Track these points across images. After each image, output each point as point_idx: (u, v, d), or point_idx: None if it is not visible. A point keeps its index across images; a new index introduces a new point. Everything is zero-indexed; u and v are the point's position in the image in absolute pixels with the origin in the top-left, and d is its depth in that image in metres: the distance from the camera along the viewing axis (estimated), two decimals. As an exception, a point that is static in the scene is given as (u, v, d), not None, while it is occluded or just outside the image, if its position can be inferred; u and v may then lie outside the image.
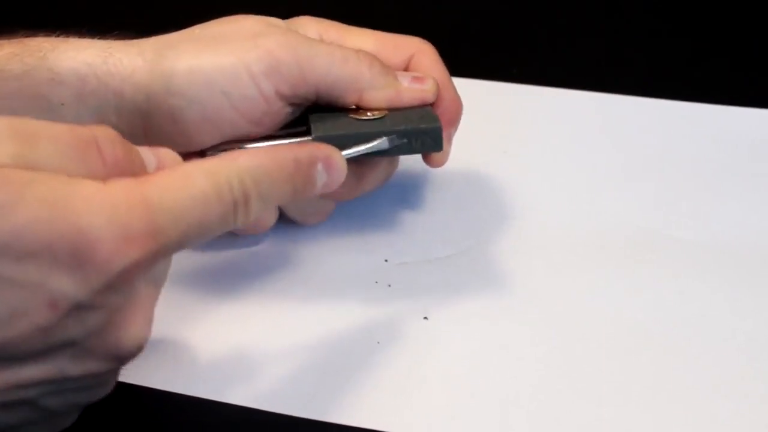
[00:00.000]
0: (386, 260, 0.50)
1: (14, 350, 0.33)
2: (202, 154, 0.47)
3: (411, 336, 0.46)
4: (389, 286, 0.48)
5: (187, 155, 0.46)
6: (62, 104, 0.45)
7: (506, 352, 0.45)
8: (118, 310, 0.34)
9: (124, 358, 0.36)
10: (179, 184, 0.34)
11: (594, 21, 0.73)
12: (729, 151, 0.58)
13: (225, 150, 0.46)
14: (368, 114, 0.47)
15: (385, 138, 0.45)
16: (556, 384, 0.43)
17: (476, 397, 0.43)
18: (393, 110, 0.47)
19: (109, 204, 0.33)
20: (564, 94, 0.63)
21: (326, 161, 0.39)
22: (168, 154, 0.39)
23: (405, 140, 0.46)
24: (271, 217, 0.49)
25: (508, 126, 0.61)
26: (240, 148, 0.46)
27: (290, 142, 0.46)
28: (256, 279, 0.49)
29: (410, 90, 0.48)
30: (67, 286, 0.32)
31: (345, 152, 0.43)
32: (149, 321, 0.36)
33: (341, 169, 0.40)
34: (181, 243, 0.35)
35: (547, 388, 0.43)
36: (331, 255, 0.50)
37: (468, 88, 0.63)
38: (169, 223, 0.34)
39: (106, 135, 0.35)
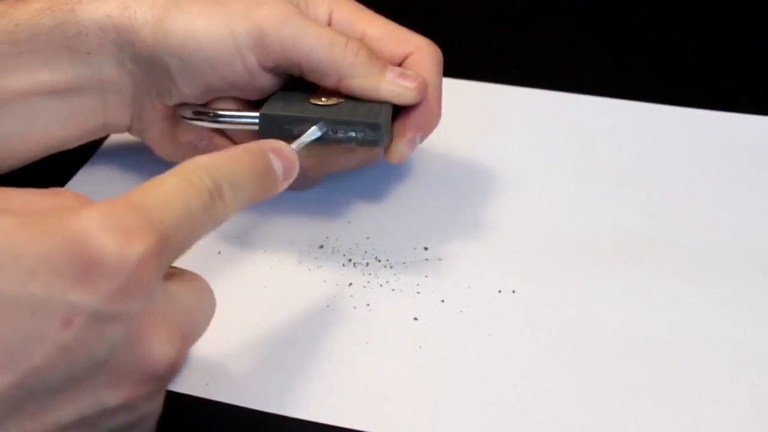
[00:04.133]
0: (378, 260, 0.50)
1: (42, 381, 0.32)
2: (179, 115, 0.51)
3: (400, 337, 0.46)
4: (380, 286, 0.48)
5: (172, 107, 0.51)
6: (88, 53, 0.49)
7: (496, 355, 0.45)
8: (139, 320, 0.33)
9: (157, 376, 0.35)
10: (155, 187, 0.35)
11: (595, 22, 0.73)
12: (723, 157, 0.58)
13: (198, 114, 0.50)
14: (322, 99, 0.48)
15: (315, 127, 0.46)
16: (545, 387, 0.43)
17: (464, 399, 0.43)
18: (350, 99, 0.48)
19: (96, 210, 0.33)
20: (562, 98, 0.63)
21: (275, 151, 0.40)
22: None
23: (348, 131, 0.47)
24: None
25: (505, 129, 0.60)
26: (212, 113, 0.50)
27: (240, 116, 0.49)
28: (243, 279, 0.49)
29: (391, 84, 0.48)
30: (77, 296, 0.32)
31: (292, 145, 0.44)
32: (178, 337, 0.35)
33: (291, 157, 0.41)
34: (179, 238, 0.35)
35: (536, 390, 0.43)
36: (322, 254, 0.50)
37: (466, 90, 0.63)
38: (161, 217, 0.34)
39: None
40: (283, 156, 0.41)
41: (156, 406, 0.37)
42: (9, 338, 0.31)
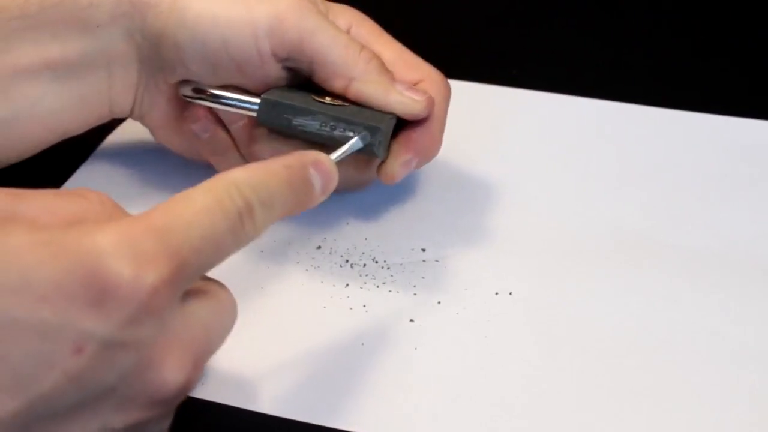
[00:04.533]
0: (375, 261, 0.50)
1: (50, 406, 0.32)
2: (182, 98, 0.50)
3: (397, 338, 0.45)
4: (377, 287, 0.48)
5: (176, 89, 0.50)
6: (98, 26, 0.48)
7: (493, 356, 0.45)
8: (150, 346, 0.33)
9: (165, 402, 0.34)
10: (181, 206, 0.34)
11: (595, 23, 0.73)
12: (723, 159, 0.58)
13: (198, 92, 0.50)
14: (327, 99, 0.48)
15: (358, 138, 0.46)
16: (543, 388, 0.43)
17: (461, 401, 0.43)
18: (354, 104, 0.48)
19: (113, 232, 0.32)
20: (562, 100, 0.63)
21: (315, 164, 0.39)
22: None
23: (346, 130, 0.47)
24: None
25: (504, 130, 0.60)
26: (212, 93, 0.49)
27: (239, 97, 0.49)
28: (239, 279, 0.48)
29: (399, 94, 0.48)
30: (88, 324, 0.31)
31: (332, 156, 0.44)
32: (190, 362, 0.34)
33: (331, 170, 0.40)
34: (199, 263, 0.34)
35: (534, 391, 0.43)
36: (319, 255, 0.50)
37: (466, 91, 0.63)
38: (181, 241, 0.33)
39: None
40: (322, 169, 0.39)
41: (163, 427, 0.36)
42: (19, 363, 0.31)
